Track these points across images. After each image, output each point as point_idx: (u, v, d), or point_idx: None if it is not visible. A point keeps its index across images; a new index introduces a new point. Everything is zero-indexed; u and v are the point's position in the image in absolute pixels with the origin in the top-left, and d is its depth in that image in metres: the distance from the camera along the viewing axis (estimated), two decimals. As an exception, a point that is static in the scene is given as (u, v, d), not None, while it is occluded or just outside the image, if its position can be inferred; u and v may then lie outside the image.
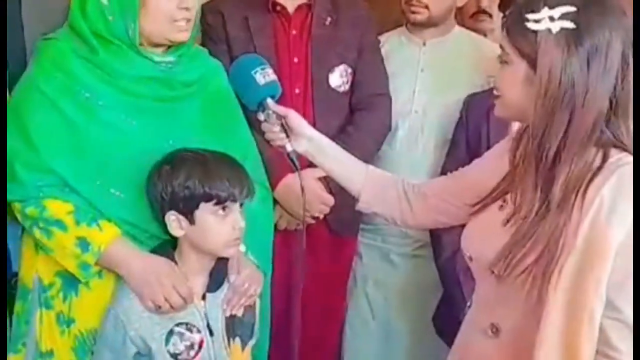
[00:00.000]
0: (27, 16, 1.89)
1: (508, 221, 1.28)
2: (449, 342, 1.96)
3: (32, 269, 1.61)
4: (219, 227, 1.50)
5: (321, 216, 2.04)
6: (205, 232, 1.50)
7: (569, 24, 1.20)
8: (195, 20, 1.62)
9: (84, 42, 1.55)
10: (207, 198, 1.48)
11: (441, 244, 2.00)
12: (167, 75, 1.60)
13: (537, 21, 1.21)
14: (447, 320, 2.01)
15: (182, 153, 1.53)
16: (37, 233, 1.53)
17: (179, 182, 1.48)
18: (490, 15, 2.40)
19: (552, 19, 1.20)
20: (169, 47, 1.62)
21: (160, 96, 1.60)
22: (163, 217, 1.52)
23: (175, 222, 1.51)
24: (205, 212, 1.49)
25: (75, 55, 1.55)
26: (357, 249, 2.27)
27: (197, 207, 1.49)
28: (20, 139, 1.53)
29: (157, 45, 1.60)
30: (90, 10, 1.54)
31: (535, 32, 1.21)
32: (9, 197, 1.54)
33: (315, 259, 2.01)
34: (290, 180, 1.96)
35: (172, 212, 1.50)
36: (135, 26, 1.53)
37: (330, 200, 2.01)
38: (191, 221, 1.50)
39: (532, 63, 1.23)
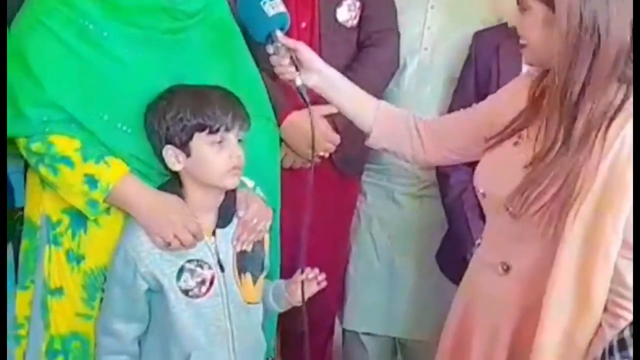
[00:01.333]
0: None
1: (529, 162, 1.26)
2: (454, 279, 2.00)
3: (38, 206, 1.59)
4: (216, 156, 1.49)
5: (327, 155, 2.02)
6: (202, 162, 1.49)
7: None
8: None
9: None
10: (200, 127, 1.47)
11: (448, 183, 2.00)
12: (171, 5, 1.55)
13: None
14: (452, 257, 2.02)
15: (175, 87, 1.51)
16: (43, 170, 1.51)
17: (172, 115, 1.47)
18: None
19: None
20: None
21: (164, 27, 1.55)
22: (161, 152, 1.51)
23: (172, 157, 1.50)
24: (200, 142, 1.48)
25: None
26: (362, 188, 2.25)
27: (191, 138, 1.48)
28: (23, 73, 1.48)
29: None
30: None
31: None
32: (13, 132, 1.51)
33: (320, 198, 1.99)
34: (296, 118, 1.94)
35: (169, 146, 1.49)
36: None
37: (337, 138, 1.99)
38: (187, 153, 1.49)
39: (550, 4, 1.21)
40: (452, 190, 2.00)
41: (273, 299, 1.66)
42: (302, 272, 1.61)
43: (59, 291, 1.57)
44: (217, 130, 1.48)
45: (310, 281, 1.62)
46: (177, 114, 1.47)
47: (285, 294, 1.63)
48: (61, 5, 1.49)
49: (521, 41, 1.32)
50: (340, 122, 1.94)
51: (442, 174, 2.01)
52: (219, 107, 1.48)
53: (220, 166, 1.49)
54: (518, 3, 1.29)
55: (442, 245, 2.11)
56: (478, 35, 2.01)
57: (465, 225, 1.95)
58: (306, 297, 1.60)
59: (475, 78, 1.97)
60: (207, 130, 1.47)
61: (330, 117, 1.93)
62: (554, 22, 1.21)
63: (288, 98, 1.88)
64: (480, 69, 1.96)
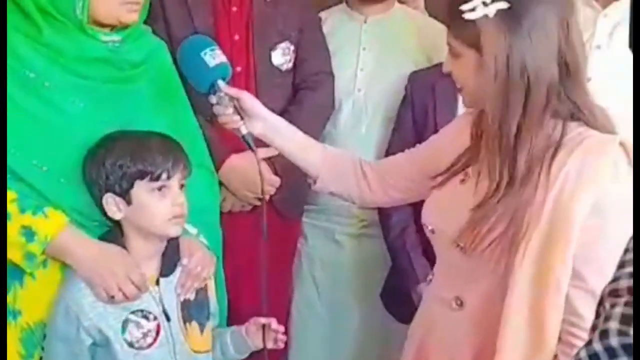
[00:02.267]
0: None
1: (473, 195, 1.29)
2: (400, 318, 2.01)
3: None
4: (157, 204, 1.46)
5: (267, 198, 2.01)
6: (143, 211, 1.47)
7: (503, 4, 1.23)
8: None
9: (28, 18, 1.46)
10: (141, 175, 1.45)
11: (390, 222, 2.02)
12: (115, 56, 1.54)
13: (472, 10, 1.25)
14: (396, 295, 2.04)
15: (113, 134, 1.49)
16: None
17: (111, 162, 1.44)
18: None
19: (485, 4, 1.24)
20: (114, 26, 1.55)
21: (108, 77, 1.53)
22: (102, 201, 1.47)
23: (113, 205, 1.47)
24: (141, 190, 1.46)
25: (16, 32, 1.46)
26: (302, 230, 2.25)
27: (131, 186, 1.45)
28: None
29: (104, 25, 1.53)
30: None
31: (473, 20, 1.24)
32: None
33: (260, 241, 1.98)
34: (235, 162, 1.94)
35: (109, 194, 1.46)
36: (84, 4, 1.46)
37: (276, 181, 2.00)
38: (128, 201, 1.46)
39: (479, 50, 1.26)
40: (393, 229, 2.02)
41: (234, 347, 1.62)
42: (261, 315, 1.58)
43: None
44: (159, 177, 1.45)
45: (272, 332, 1.58)
46: (117, 161, 1.44)
47: (246, 339, 1.59)
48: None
49: (457, 85, 1.35)
50: (280, 165, 1.95)
51: (384, 214, 2.03)
52: (159, 153, 1.46)
53: (162, 214, 1.47)
54: (449, 50, 1.32)
55: (385, 284, 2.13)
56: (413, 75, 2.06)
57: (408, 263, 1.97)
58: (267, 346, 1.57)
59: (412, 117, 2.02)
60: (148, 178, 1.45)
61: (269, 160, 1.93)
62: (483, 66, 1.25)
63: (225, 141, 1.87)
64: (417, 108, 2.01)
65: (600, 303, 0.77)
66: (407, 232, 1.98)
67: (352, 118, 2.14)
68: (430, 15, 2.34)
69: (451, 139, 1.43)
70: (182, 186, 1.49)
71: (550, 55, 1.24)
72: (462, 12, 1.24)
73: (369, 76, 2.14)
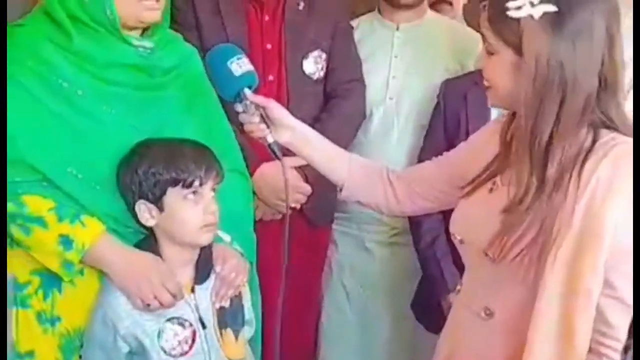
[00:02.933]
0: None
1: (505, 209, 1.28)
2: (430, 328, 2.01)
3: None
4: (190, 212, 1.47)
5: (298, 206, 2.02)
6: (175, 218, 1.48)
7: (551, 7, 1.21)
8: (167, 1, 1.58)
9: (59, 27, 1.49)
10: (174, 182, 1.46)
11: (420, 230, 2.01)
12: (147, 62, 1.56)
13: (518, 8, 1.22)
14: (427, 306, 2.03)
15: (147, 141, 1.51)
16: (15, 230, 1.47)
17: (144, 170, 1.46)
18: (451, 4, 2.41)
19: (532, 4, 1.22)
20: (144, 32, 1.58)
21: (139, 84, 1.55)
22: (134, 208, 1.49)
23: (145, 212, 1.48)
24: (174, 197, 1.47)
25: (49, 42, 1.49)
26: (333, 237, 2.25)
27: (164, 192, 1.47)
28: None
29: (131, 28, 1.55)
30: None
31: (517, 19, 1.22)
32: None
33: (292, 250, 1.99)
34: (266, 170, 1.95)
35: (142, 201, 1.48)
36: (112, 6, 1.48)
37: (308, 189, 2.00)
38: (161, 209, 1.48)
39: (518, 50, 1.24)
40: (424, 238, 2.01)
41: None
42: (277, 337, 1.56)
43: (29, 355, 1.52)
44: (191, 184, 1.47)
45: None
46: (150, 168, 1.46)
47: None
48: (35, 63, 1.48)
49: (485, 83, 1.33)
50: (311, 173, 1.96)
51: (414, 222, 2.02)
52: (192, 160, 1.47)
53: (195, 222, 1.48)
54: (485, 47, 1.30)
55: (416, 294, 2.12)
56: (446, 83, 2.05)
57: (439, 272, 1.96)
58: None
59: (444, 125, 2.01)
60: (180, 185, 1.46)
61: (300, 168, 1.95)
62: (522, 68, 1.23)
63: (257, 150, 1.89)
64: (449, 117, 2.00)
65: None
66: (438, 240, 1.97)
67: (383, 126, 2.14)
68: (469, 25, 2.34)
69: (480, 147, 1.42)
70: (214, 190, 1.50)
71: (592, 67, 1.21)
72: (507, 9, 1.22)
73: (401, 84, 2.14)
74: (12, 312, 1.52)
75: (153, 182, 1.46)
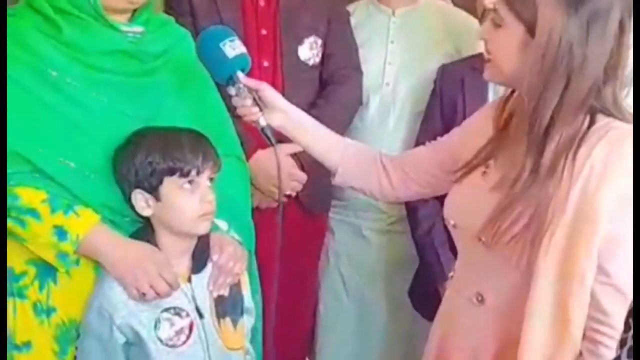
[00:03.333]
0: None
1: (496, 188, 1.27)
2: (427, 315, 2.00)
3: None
4: (186, 201, 1.46)
5: (293, 194, 2.01)
6: (172, 208, 1.46)
7: None
8: None
9: (46, 19, 1.47)
10: (170, 171, 1.45)
11: (417, 217, 2.00)
12: (136, 48, 1.54)
13: None
14: (424, 293, 2.02)
15: (143, 130, 1.49)
16: (10, 223, 1.46)
17: (141, 159, 1.45)
18: None
19: None
20: (133, 14, 1.55)
21: (130, 70, 1.54)
22: (131, 197, 1.48)
23: (142, 201, 1.47)
24: (170, 186, 1.46)
25: (37, 31, 1.47)
26: (329, 225, 2.24)
27: (161, 182, 1.45)
28: None
29: (118, 12, 1.52)
30: None
31: None
32: None
33: (288, 237, 1.98)
34: (261, 157, 1.93)
35: (138, 190, 1.47)
36: None
37: (303, 177, 2.00)
38: (157, 198, 1.47)
39: (530, 27, 1.21)
40: (421, 224, 2.00)
41: None
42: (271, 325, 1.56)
43: (26, 345, 1.51)
44: (188, 173, 1.45)
45: None
46: (146, 157, 1.44)
47: None
48: (23, 53, 1.46)
49: (486, 55, 1.30)
50: (306, 160, 1.95)
51: (411, 208, 2.02)
52: (189, 149, 1.45)
53: (191, 211, 1.47)
54: (492, 18, 1.26)
55: (413, 281, 2.11)
56: (443, 68, 2.04)
57: (436, 260, 1.96)
58: None
59: (441, 111, 1.99)
60: (177, 174, 1.45)
61: (295, 155, 1.93)
62: (530, 45, 1.21)
63: (252, 136, 1.88)
64: (445, 102, 1.99)
65: (630, 315, 0.74)
66: (435, 228, 1.96)
67: (380, 113, 2.13)
68: (455, 6, 2.32)
69: (473, 131, 1.41)
70: (211, 180, 1.49)
71: (601, 54, 1.20)
72: None
73: (397, 70, 2.13)
74: (9, 302, 1.52)
75: (149, 171, 1.44)
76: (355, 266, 2.22)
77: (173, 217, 1.47)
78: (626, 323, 0.77)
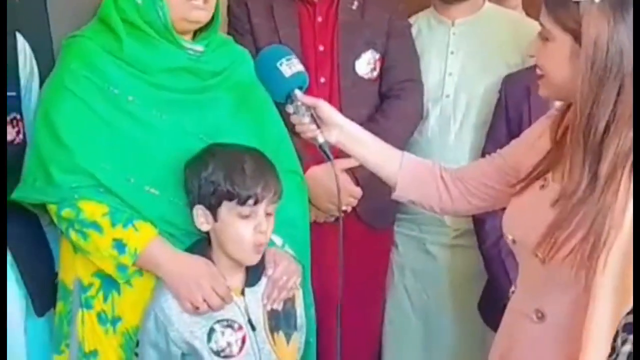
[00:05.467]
0: (54, 13, 1.91)
1: (554, 202, 1.25)
2: (497, 328, 1.96)
3: (71, 270, 1.64)
4: (241, 229, 1.51)
5: (349, 209, 2.02)
6: (227, 231, 1.52)
7: None
8: (217, 3, 1.62)
9: (113, 33, 1.57)
10: (230, 196, 1.49)
11: (485, 230, 1.99)
12: (196, 65, 1.61)
13: None
14: (493, 306, 1.98)
15: (213, 147, 1.55)
16: (74, 235, 1.56)
17: (206, 176, 1.50)
18: None
19: None
20: (195, 34, 1.63)
21: (190, 88, 1.61)
22: (192, 211, 1.54)
23: (201, 217, 1.53)
24: (228, 211, 1.51)
25: (102, 51, 1.57)
26: (394, 239, 2.24)
27: (220, 204, 1.51)
28: (52, 140, 1.55)
29: (181, 32, 1.60)
30: None
31: (577, 3, 1.20)
32: (43, 198, 1.57)
33: (348, 252, 1.99)
34: (316, 172, 1.95)
35: (199, 206, 1.52)
36: (164, 6, 1.54)
37: (358, 192, 2.01)
38: (215, 218, 1.52)
39: (577, 36, 1.21)
40: (488, 237, 1.98)
41: None
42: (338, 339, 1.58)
43: (93, 354, 1.60)
44: (245, 201, 1.49)
45: None
46: (210, 176, 1.50)
47: None
48: (86, 71, 1.56)
49: (538, 71, 1.31)
50: (361, 175, 1.97)
51: (478, 220, 2.00)
52: (250, 176, 1.50)
53: (244, 240, 1.51)
54: (540, 32, 1.28)
55: (482, 295, 2.09)
56: (508, 77, 2.02)
57: (503, 272, 1.93)
58: None
59: (506, 121, 1.98)
60: (235, 200, 1.49)
61: (350, 171, 1.95)
62: (578, 54, 1.21)
63: (307, 152, 1.90)
64: (511, 112, 1.97)
65: (615, 338, 0.74)
66: (502, 240, 1.91)
67: (440, 125, 2.12)
68: (528, 15, 2.28)
69: (531, 143, 1.40)
70: (268, 215, 1.53)
71: None
72: None
73: (458, 81, 2.12)
74: (78, 313, 1.61)
75: (211, 190, 1.50)
76: (420, 281, 2.22)
77: (226, 240, 1.53)
78: (612, 346, 0.75)
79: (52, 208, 1.57)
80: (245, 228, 1.50)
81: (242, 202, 1.49)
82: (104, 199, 1.54)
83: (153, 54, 1.57)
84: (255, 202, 1.50)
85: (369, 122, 1.98)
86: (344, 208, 1.98)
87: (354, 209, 2.03)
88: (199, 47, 1.62)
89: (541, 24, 1.27)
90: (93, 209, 1.53)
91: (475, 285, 2.10)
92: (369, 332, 2.23)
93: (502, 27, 2.14)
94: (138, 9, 1.55)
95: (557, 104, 1.85)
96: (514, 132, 1.92)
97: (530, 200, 1.34)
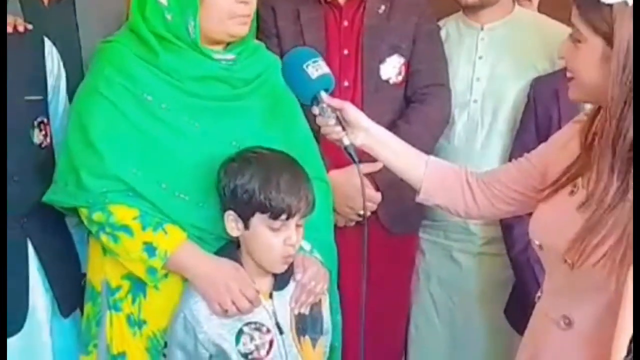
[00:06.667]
0: (82, 17, 1.94)
1: (582, 206, 1.25)
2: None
3: (100, 272, 1.67)
4: (271, 240, 1.52)
5: (368, 213, 2.01)
6: (256, 241, 1.54)
7: None
8: (253, 14, 1.64)
9: (144, 43, 1.59)
10: (263, 209, 1.50)
11: (513, 236, 1.98)
12: (228, 73, 1.63)
13: None
14: (521, 311, 1.95)
15: (249, 153, 1.56)
16: (104, 238, 1.58)
17: (242, 183, 1.51)
18: None
19: None
20: (228, 43, 1.65)
21: (221, 95, 1.63)
22: (224, 215, 1.56)
23: (232, 222, 1.54)
24: (260, 222, 1.52)
25: (136, 57, 1.60)
26: (420, 245, 2.24)
27: (253, 214, 1.52)
28: (84, 145, 1.58)
29: (216, 42, 1.63)
30: (149, 11, 1.58)
31: (609, 5, 1.19)
32: (75, 202, 1.60)
33: (372, 257, 1.98)
34: (334, 177, 1.93)
35: (231, 211, 1.53)
36: (196, 24, 1.56)
37: (377, 197, 2.01)
38: (246, 226, 1.54)
39: (608, 39, 1.20)
40: (517, 243, 1.97)
41: None
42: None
43: (121, 356, 1.63)
44: (278, 216, 1.50)
45: None
46: (247, 183, 1.51)
47: None
48: (120, 77, 1.59)
49: (568, 74, 1.30)
50: (381, 181, 1.97)
51: (506, 226, 1.99)
52: (285, 190, 1.50)
53: (273, 252, 1.53)
54: (571, 35, 1.27)
55: (509, 299, 2.08)
56: (536, 81, 2.02)
57: (533, 277, 1.92)
58: None
59: (536, 124, 1.97)
60: (268, 214, 1.50)
61: (370, 176, 1.93)
62: (610, 57, 1.19)
63: (326, 156, 1.90)
64: (540, 115, 1.96)
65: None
66: (531, 246, 1.91)
67: (467, 130, 2.11)
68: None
69: (560, 148, 1.39)
70: (298, 226, 1.54)
71: None
72: None
73: (486, 86, 2.11)
74: (106, 315, 1.64)
75: (246, 199, 1.51)
76: (446, 288, 2.21)
77: (255, 249, 1.55)
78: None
79: (83, 211, 1.59)
80: (275, 240, 1.52)
81: (275, 217, 1.50)
82: (134, 203, 1.56)
83: (184, 63, 1.59)
84: (288, 217, 1.51)
85: (392, 127, 1.95)
86: (361, 212, 1.98)
87: (376, 214, 2.02)
88: (231, 56, 1.64)
89: (572, 26, 1.26)
90: (124, 213, 1.56)
91: (502, 293, 2.09)
92: (392, 337, 2.23)
93: (531, 32, 2.12)
94: (167, 24, 1.58)
95: (587, 107, 1.86)
96: (542, 137, 1.90)
97: (559, 206, 1.33)
